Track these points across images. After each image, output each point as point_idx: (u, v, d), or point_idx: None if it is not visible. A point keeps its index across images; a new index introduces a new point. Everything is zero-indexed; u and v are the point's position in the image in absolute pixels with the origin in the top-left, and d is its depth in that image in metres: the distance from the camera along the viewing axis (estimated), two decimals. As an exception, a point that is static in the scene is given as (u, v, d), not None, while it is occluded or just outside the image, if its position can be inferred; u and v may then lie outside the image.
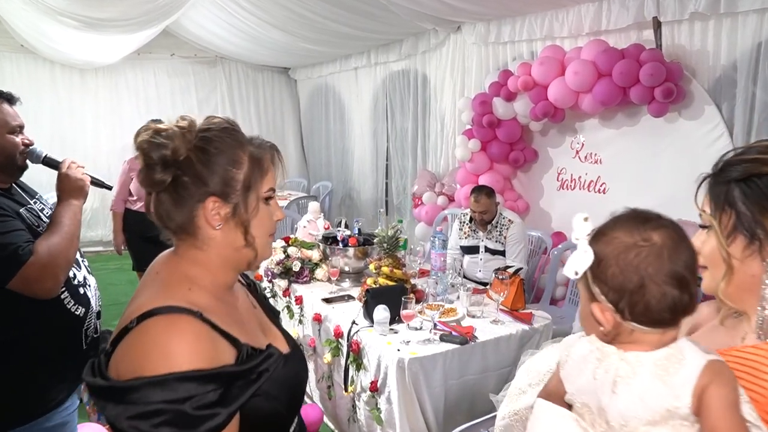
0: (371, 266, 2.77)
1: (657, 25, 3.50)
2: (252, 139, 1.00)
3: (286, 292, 3.03)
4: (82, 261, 1.76)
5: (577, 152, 4.22)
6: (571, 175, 4.29)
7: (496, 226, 3.61)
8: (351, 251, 2.94)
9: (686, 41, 3.42)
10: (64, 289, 1.57)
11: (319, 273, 3.05)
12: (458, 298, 2.82)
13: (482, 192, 3.54)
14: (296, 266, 2.98)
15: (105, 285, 5.80)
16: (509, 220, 3.60)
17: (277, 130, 8.40)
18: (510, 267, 2.95)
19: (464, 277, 3.18)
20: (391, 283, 2.65)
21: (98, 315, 1.74)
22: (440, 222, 4.91)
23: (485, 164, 4.59)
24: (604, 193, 4.04)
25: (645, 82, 3.36)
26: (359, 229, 3.17)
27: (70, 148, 6.94)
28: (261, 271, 3.30)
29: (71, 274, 1.62)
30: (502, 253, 3.61)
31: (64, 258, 1.51)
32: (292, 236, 3.24)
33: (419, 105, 5.90)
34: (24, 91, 6.40)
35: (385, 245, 2.72)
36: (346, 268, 3.00)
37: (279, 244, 3.10)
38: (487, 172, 4.61)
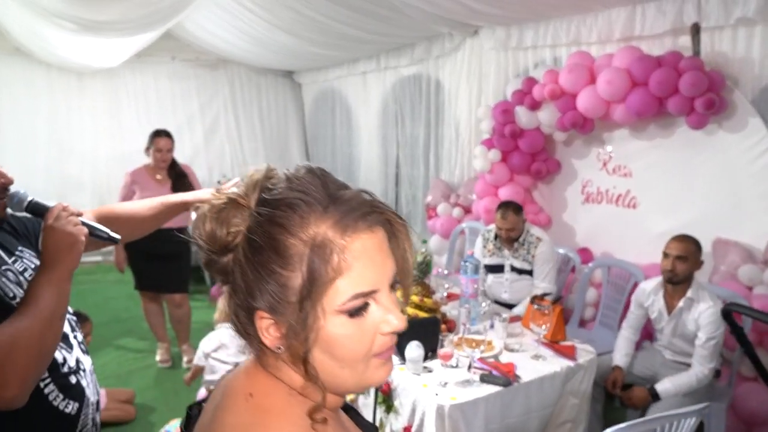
0: (398, 294, 2.54)
1: (695, 31, 3.29)
2: (335, 200, 0.63)
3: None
4: (74, 336, 1.33)
5: (605, 164, 4.00)
6: (598, 188, 4.07)
7: (523, 244, 3.39)
8: (374, 276, 2.71)
9: (728, 48, 3.21)
10: (49, 380, 1.19)
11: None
12: (491, 326, 2.60)
13: (509, 208, 3.32)
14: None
15: (105, 299, 5.65)
16: (537, 238, 3.38)
17: (280, 136, 8.17)
18: (547, 294, 2.72)
19: (495, 302, 2.95)
20: (421, 314, 2.42)
21: (97, 406, 1.34)
22: (457, 236, 4.69)
23: (505, 175, 4.37)
24: (634, 207, 3.82)
25: (685, 92, 3.14)
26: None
27: (67, 154, 6.71)
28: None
29: (59, 359, 1.22)
30: (530, 273, 3.39)
31: (35, 353, 1.06)
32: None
33: (432, 112, 5.67)
34: (20, 95, 6.17)
35: (414, 273, 2.49)
36: (368, 294, 2.77)
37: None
38: (508, 184, 4.40)
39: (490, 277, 3.53)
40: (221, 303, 2.94)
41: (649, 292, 2.74)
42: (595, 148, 4.07)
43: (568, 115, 3.65)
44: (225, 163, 7.64)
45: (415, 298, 2.43)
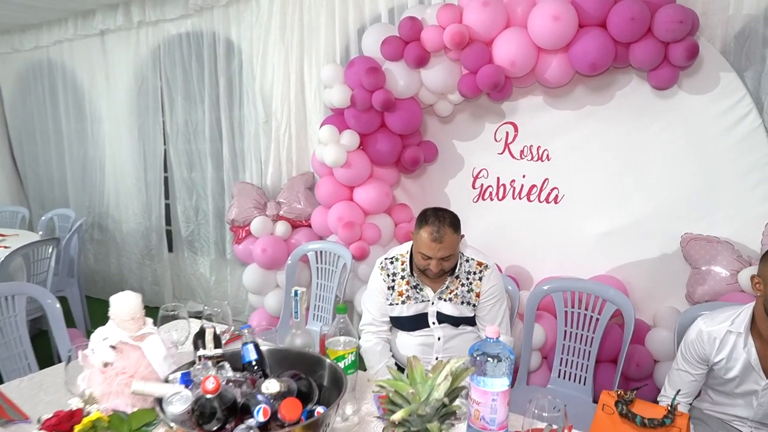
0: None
1: (639, -45, 2.37)
2: None
3: None
4: None
5: (507, 145, 2.92)
6: (498, 178, 2.97)
7: (459, 277, 2.07)
8: None
9: (689, -20, 2.37)
10: None
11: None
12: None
13: (444, 222, 1.94)
14: None
15: None
16: (479, 264, 2.08)
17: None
18: (637, 389, 1.41)
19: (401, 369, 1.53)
20: None
21: None
22: (296, 264, 3.12)
23: (366, 170, 2.98)
24: (555, 202, 2.82)
25: (662, 36, 2.19)
26: (257, 346, 1.30)
27: None
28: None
29: None
30: (470, 321, 2.09)
31: None
32: (80, 399, 1.13)
33: (221, 86, 3.95)
34: None
35: (435, 420, 0.93)
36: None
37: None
38: (368, 183, 3.02)
39: (403, 337, 2.13)
40: None
41: (721, 340, 1.68)
42: (489, 125, 2.96)
43: (483, 72, 2.43)
44: None
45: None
